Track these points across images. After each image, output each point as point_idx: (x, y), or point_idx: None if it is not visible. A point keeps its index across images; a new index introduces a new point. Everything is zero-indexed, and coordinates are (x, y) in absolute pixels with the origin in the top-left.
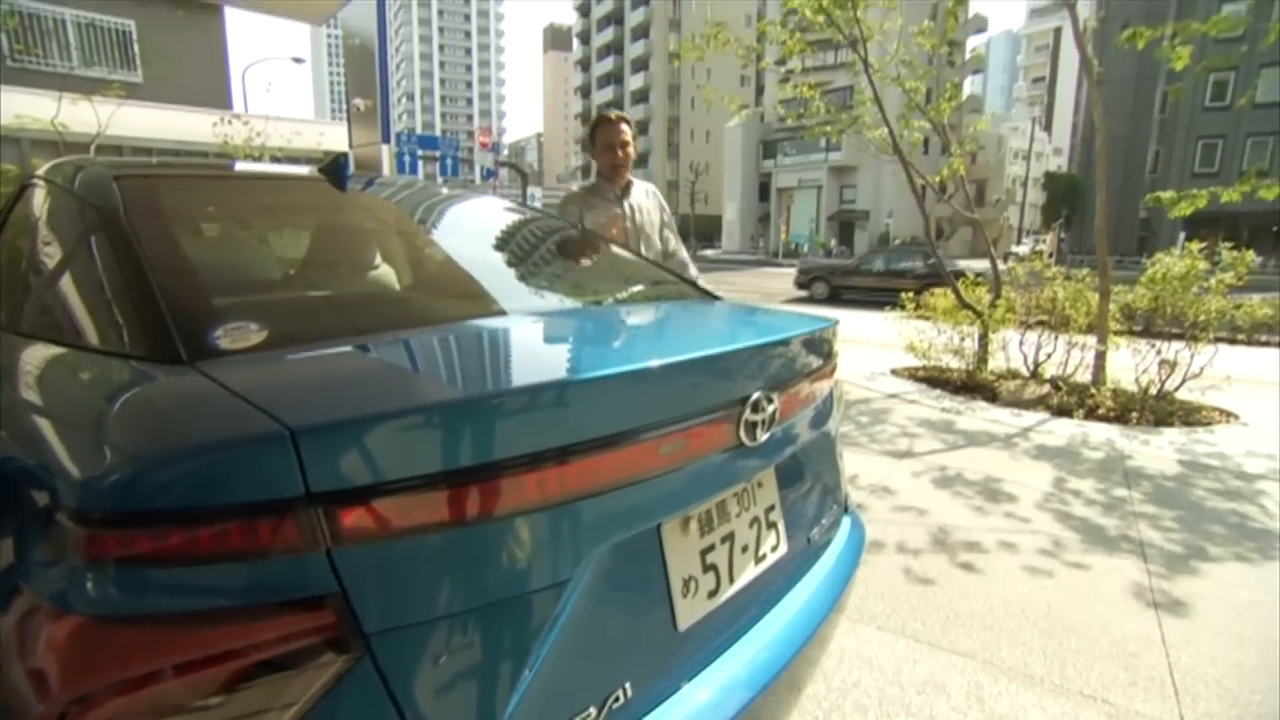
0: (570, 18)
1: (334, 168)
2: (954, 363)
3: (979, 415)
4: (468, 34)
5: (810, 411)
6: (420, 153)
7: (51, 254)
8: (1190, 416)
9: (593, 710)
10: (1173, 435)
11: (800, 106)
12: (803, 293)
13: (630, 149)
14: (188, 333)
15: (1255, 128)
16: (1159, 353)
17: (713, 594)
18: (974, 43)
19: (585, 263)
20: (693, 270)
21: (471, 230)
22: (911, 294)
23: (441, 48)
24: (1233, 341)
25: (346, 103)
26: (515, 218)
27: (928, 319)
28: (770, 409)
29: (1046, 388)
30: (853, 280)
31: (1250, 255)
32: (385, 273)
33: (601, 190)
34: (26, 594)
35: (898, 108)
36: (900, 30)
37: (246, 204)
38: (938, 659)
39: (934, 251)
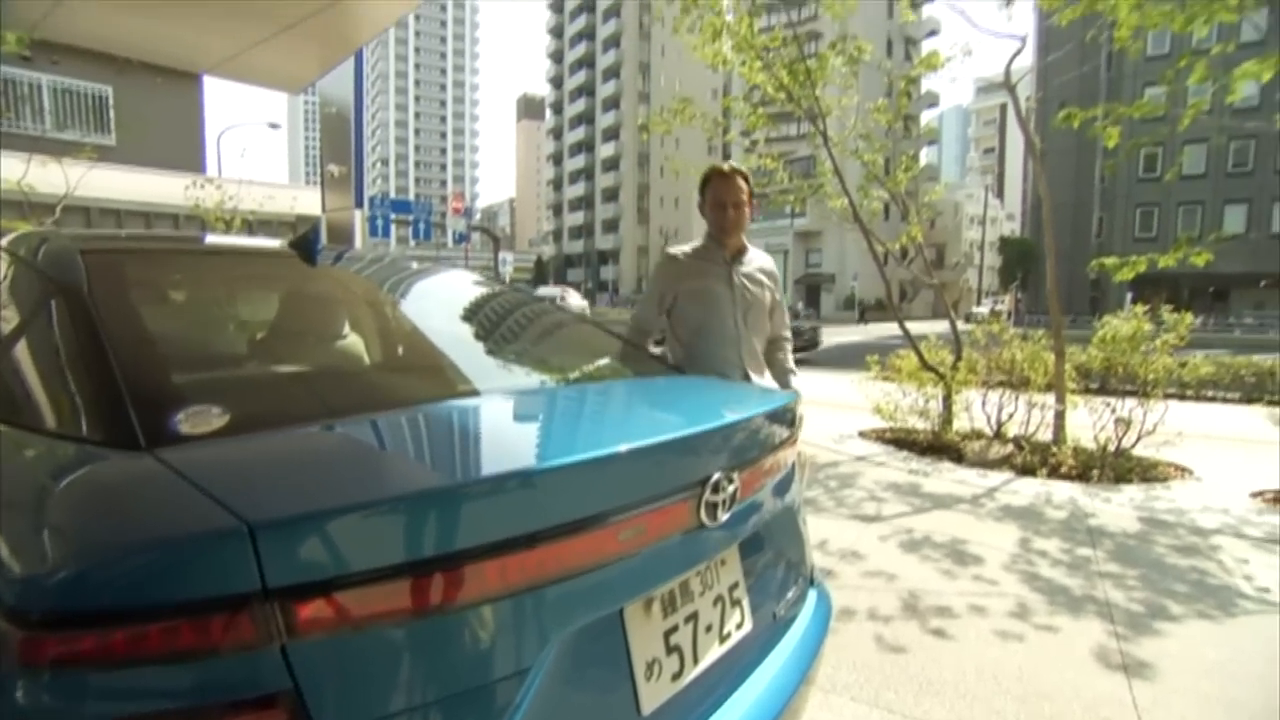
0: (544, 88)
1: (304, 242)
2: (920, 424)
3: (946, 476)
4: (443, 103)
5: (772, 486)
6: (394, 216)
7: (9, 330)
8: (1148, 473)
9: None
10: (1132, 492)
11: (765, 176)
12: None
13: (745, 209)
14: (147, 417)
15: (1184, 197)
16: (1114, 411)
17: (677, 676)
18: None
19: (551, 337)
20: (789, 366)
21: (440, 306)
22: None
23: (417, 115)
24: (1182, 398)
25: (321, 168)
26: (483, 292)
27: (892, 381)
28: (731, 488)
29: (1010, 447)
30: None
31: (1189, 317)
32: (354, 349)
33: (708, 254)
34: None
35: (858, 178)
36: (857, 106)
37: (215, 280)
38: None
39: (896, 315)
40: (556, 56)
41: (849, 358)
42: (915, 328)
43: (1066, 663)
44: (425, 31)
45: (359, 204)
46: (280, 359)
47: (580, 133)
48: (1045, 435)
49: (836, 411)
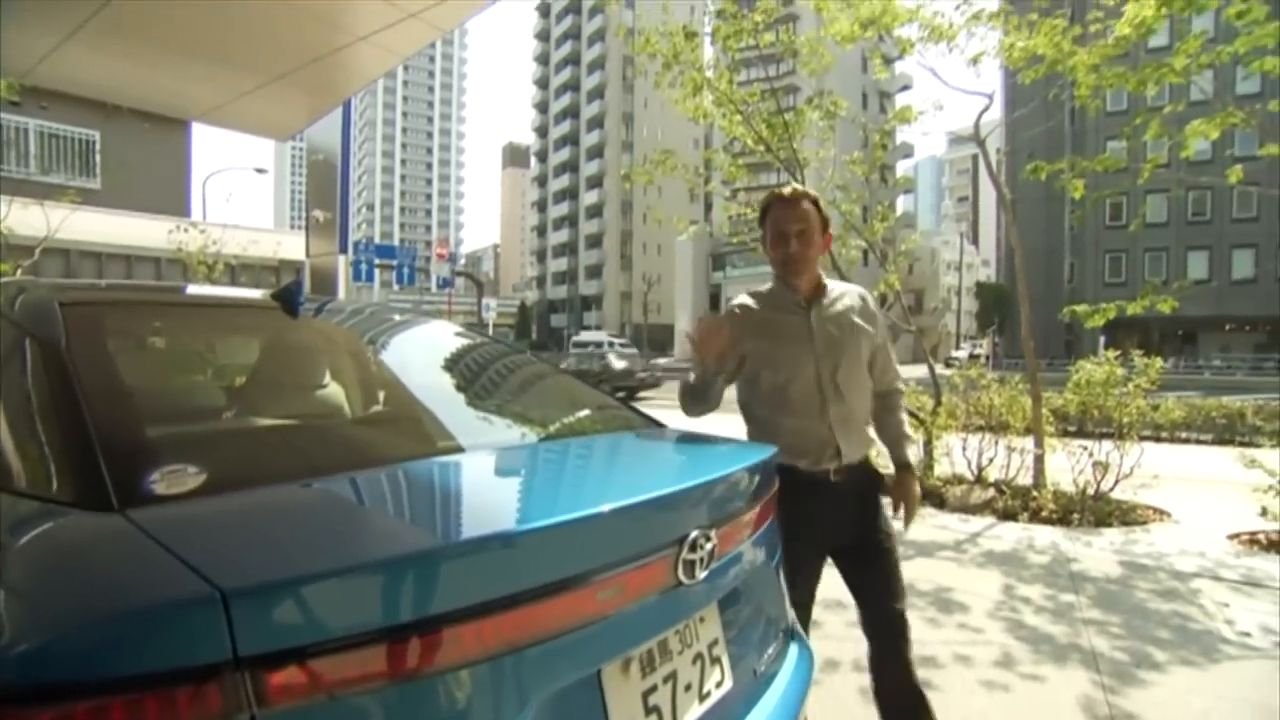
0: (529, 137)
1: (286, 293)
2: None
3: (928, 522)
4: (429, 150)
5: (750, 542)
6: (378, 261)
7: None
8: (1127, 516)
9: None
10: (1112, 536)
11: (745, 226)
12: None
13: (814, 238)
14: (121, 478)
15: (1150, 244)
16: (1091, 455)
17: None
18: (903, 166)
19: (531, 390)
20: (904, 431)
21: (421, 359)
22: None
23: (404, 161)
24: (1157, 440)
25: (306, 213)
26: (464, 344)
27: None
28: (709, 546)
29: (991, 492)
30: None
31: (1159, 361)
32: (335, 404)
33: (778, 299)
34: None
35: (836, 228)
36: (834, 158)
37: (197, 332)
38: None
39: None
40: (542, 106)
41: None
42: None
43: (1054, 714)
44: (413, 81)
45: (343, 249)
46: (260, 413)
47: (564, 180)
48: (1025, 479)
49: None
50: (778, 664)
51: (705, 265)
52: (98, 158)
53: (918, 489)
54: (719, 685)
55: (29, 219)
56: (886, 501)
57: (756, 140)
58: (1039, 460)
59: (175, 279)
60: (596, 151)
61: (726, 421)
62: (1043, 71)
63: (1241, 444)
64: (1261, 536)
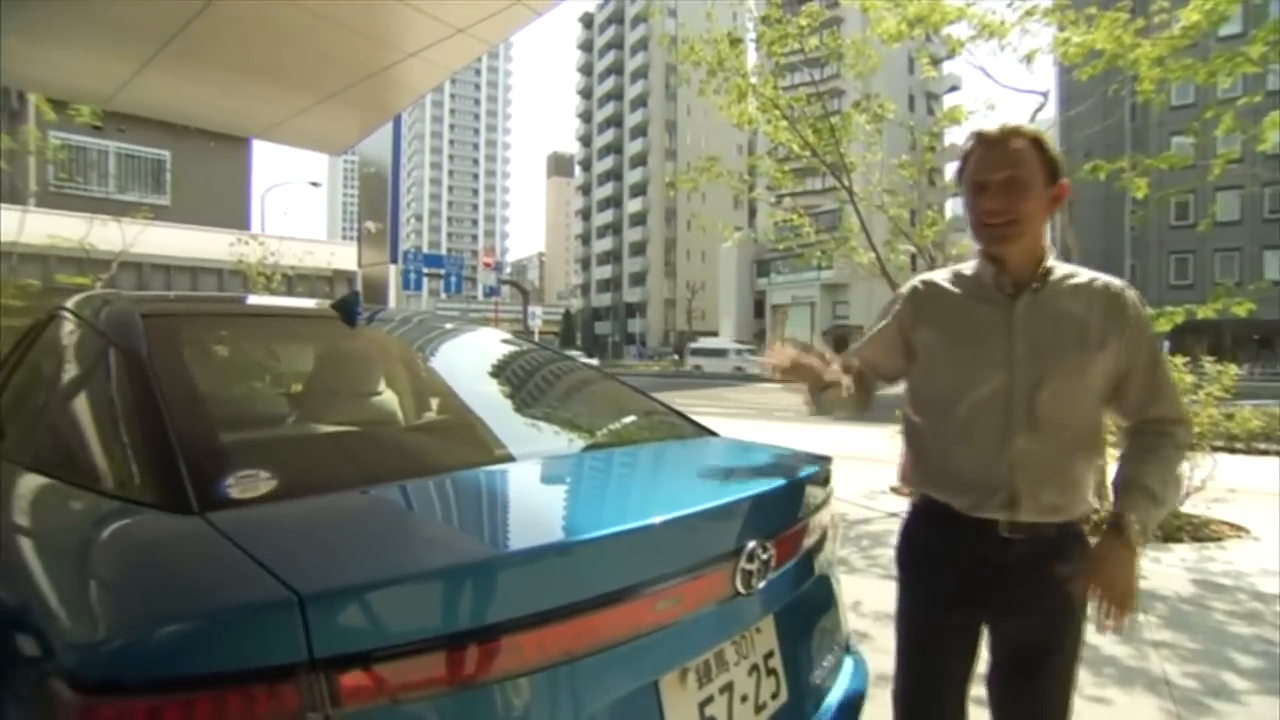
0: (573, 146)
1: (345, 304)
2: None
3: None
4: (476, 160)
5: (806, 552)
6: (426, 270)
7: (71, 390)
8: (1199, 532)
9: None
10: (1183, 552)
11: (791, 232)
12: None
13: (1026, 188)
14: (200, 482)
15: (1221, 244)
16: None
17: None
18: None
19: (582, 396)
20: (1154, 492)
21: (474, 366)
22: None
23: (451, 172)
24: (1231, 451)
25: (359, 224)
26: (516, 351)
27: None
28: (766, 556)
29: None
30: None
31: (1233, 368)
32: (394, 411)
33: (975, 283)
34: None
35: (884, 232)
36: (882, 161)
37: (263, 341)
38: None
39: None
40: (585, 116)
41: (875, 409)
42: None
43: None
44: (460, 94)
45: (394, 259)
46: (322, 420)
47: (608, 189)
48: None
49: (865, 465)
50: (834, 676)
51: (750, 272)
52: (168, 175)
53: (1135, 572)
54: (774, 697)
55: (107, 235)
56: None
57: (802, 146)
58: (1100, 471)
59: (236, 289)
60: (640, 159)
61: (773, 429)
62: (1101, 67)
63: None
64: None
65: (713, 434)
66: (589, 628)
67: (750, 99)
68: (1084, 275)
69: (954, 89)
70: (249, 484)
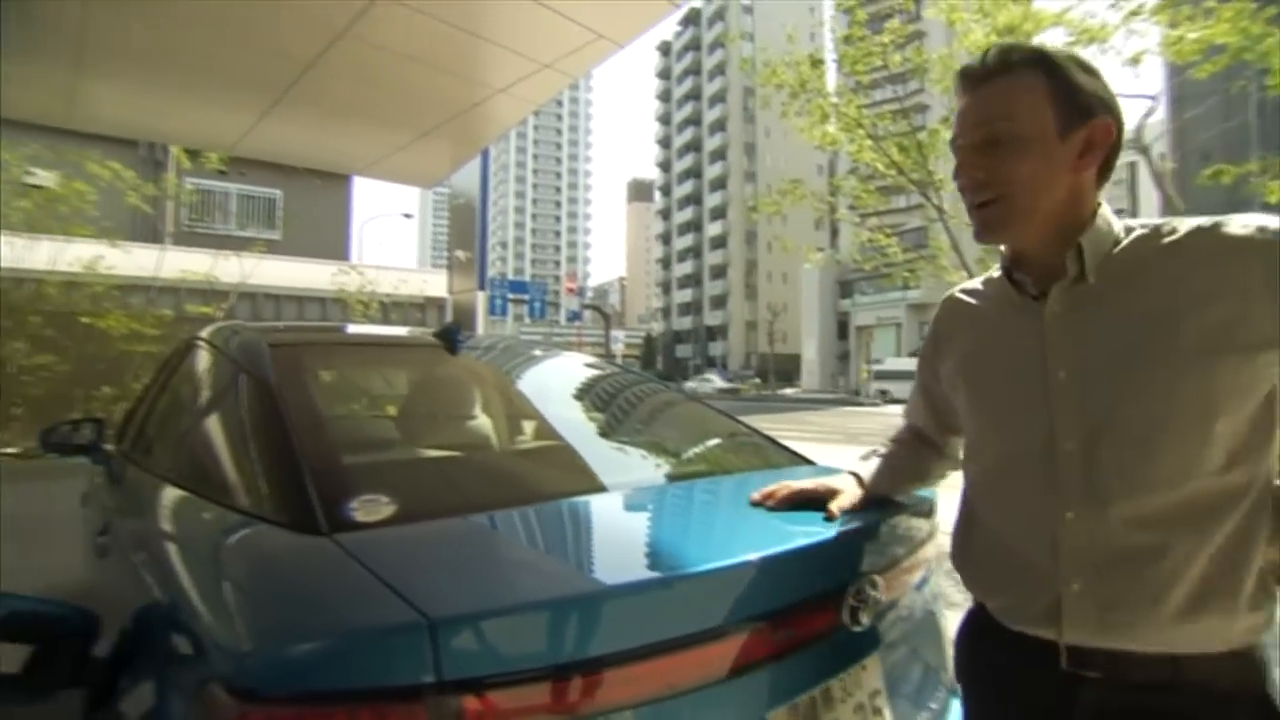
0: (653, 172)
1: (447, 333)
2: None
3: None
4: (558, 189)
5: (914, 589)
6: (510, 296)
7: (206, 413)
8: None
9: None
10: None
11: (876, 252)
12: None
13: (1018, 147)
14: (328, 505)
15: None
16: None
17: None
18: None
19: (671, 422)
20: None
21: (576, 393)
22: None
23: (534, 201)
24: None
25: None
26: (608, 376)
27: None
28: (874, 592)
29: None
30: None
31: None
32: (491, 438)
33: (1000, 287)
34: None
35: (978, 250)
36: None
37: (373, 369)
38: None
39: None
40: (664, 142)
41: None
42: None
43: None
44: (542, 124)
45: (481, 286)
46: (427, 446)
47: (688, 213)
48: None
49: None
50: (940, 718)
51: (833, 293)
52: (280, 212)
53: None
54: None
55: (228, 268)
56: None
57: (888, 164)
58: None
59: (336, 316)
60: (719, 183)
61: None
62: (1224, 63)
63: None
64: None
65: (809, 462)
66: (703, 659)
67: (832, 120)
68: (1168, 229)
69: None
70: (371, 508)
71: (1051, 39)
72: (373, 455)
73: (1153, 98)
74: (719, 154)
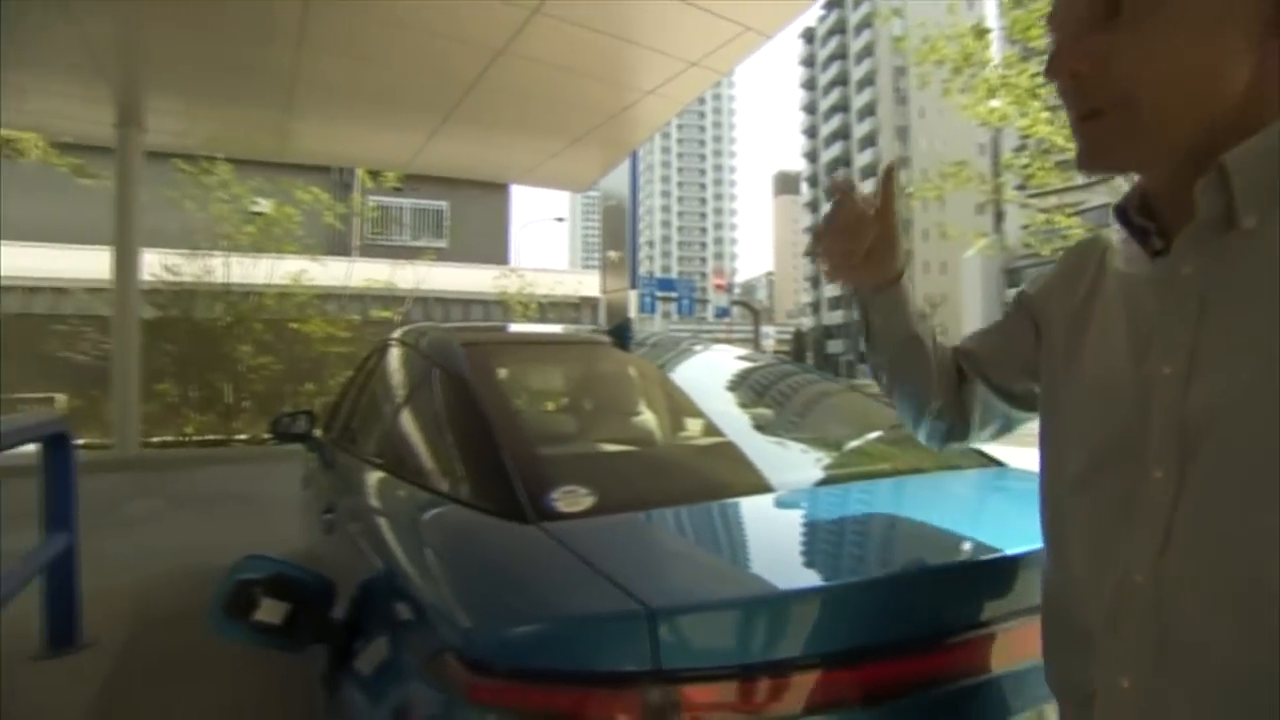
0: (799, 164)
1: (619, 330)
2: None
3: None
4: (703, 185)
5: None
6: (659, 294)
7: (405, 404)
8: None
9: None
10: None
11: (1054, 235)
12: None
13: (1144, 28)
14: (532, 494)
15: None
16: None
17: None
18: None
19: (846, 419)
20: None
21: (748, 389)
22: None
23: (680, 199)
24: None
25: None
26: (781, 372)
27: None
28: None
29: None
30: None
31: None
32: (662, 434)
33: (1127, 245)
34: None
35: None
36: None
37: (553, 365)
38: None
39: None
40: (810, 132)
41: None
42: None
43: None
44: (686, 123)
45: (632, 285)
46: (602, 440)
47: None
48: None
49: None
50: None
51: (997, 282)
52: (446, 222)
53: None
54: None
55: (404, 275)
56: None
57: (1068, 137)
58: None
59: (498, 317)
60: (870, 170)
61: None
62: None
63: None
64: None
65: (998, 463)
66: (904, 668)
67: (1000, 94)
68: None
69: None
70: (571, 499)
71: None
72: (560, 448)
73: None
74: (869, 140)
